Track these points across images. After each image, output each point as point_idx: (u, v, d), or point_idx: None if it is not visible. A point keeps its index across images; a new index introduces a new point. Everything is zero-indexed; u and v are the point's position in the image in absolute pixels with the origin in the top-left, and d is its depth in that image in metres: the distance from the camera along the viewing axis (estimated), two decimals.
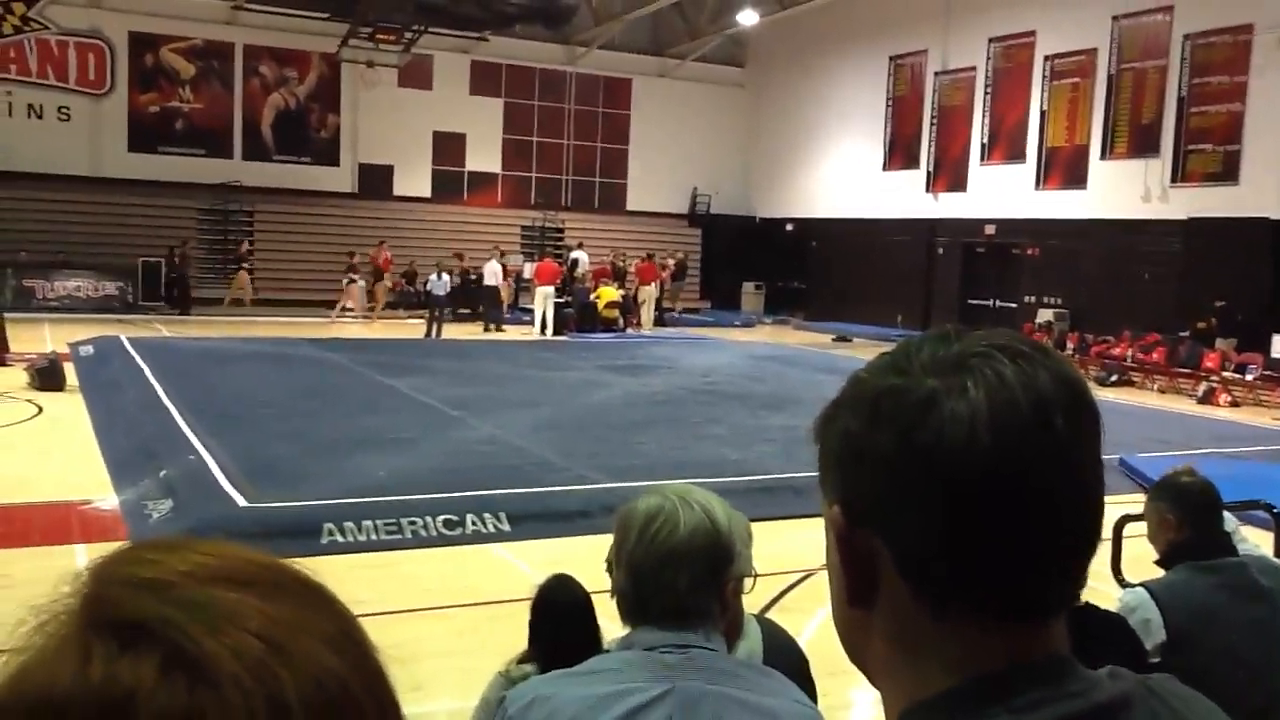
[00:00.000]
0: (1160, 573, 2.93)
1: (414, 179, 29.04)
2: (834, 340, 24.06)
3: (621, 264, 26.29)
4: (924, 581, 0.74)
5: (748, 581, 1.61)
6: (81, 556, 6.61)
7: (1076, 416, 0.73)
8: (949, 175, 25.43)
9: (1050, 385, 0.72)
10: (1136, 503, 4.53)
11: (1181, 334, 18.49)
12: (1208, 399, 16.41)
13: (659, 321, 26.02)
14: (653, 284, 25.81)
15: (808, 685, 2.05)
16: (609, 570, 1.61)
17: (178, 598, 0.52)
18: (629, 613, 1.55)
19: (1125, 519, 4.55)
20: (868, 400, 0.76)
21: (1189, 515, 2.90)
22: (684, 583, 1.50)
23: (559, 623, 3.15)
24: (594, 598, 3.22)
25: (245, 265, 25.81)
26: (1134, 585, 2.91)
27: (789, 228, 30.38)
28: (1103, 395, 13.96)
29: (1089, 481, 0.74)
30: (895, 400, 0.74)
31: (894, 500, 0.74)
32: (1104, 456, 0.76)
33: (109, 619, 0.51)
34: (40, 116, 25.56)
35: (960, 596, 0.73)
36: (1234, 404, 16.20)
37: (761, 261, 30.02)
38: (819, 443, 0.81)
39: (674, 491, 1.58)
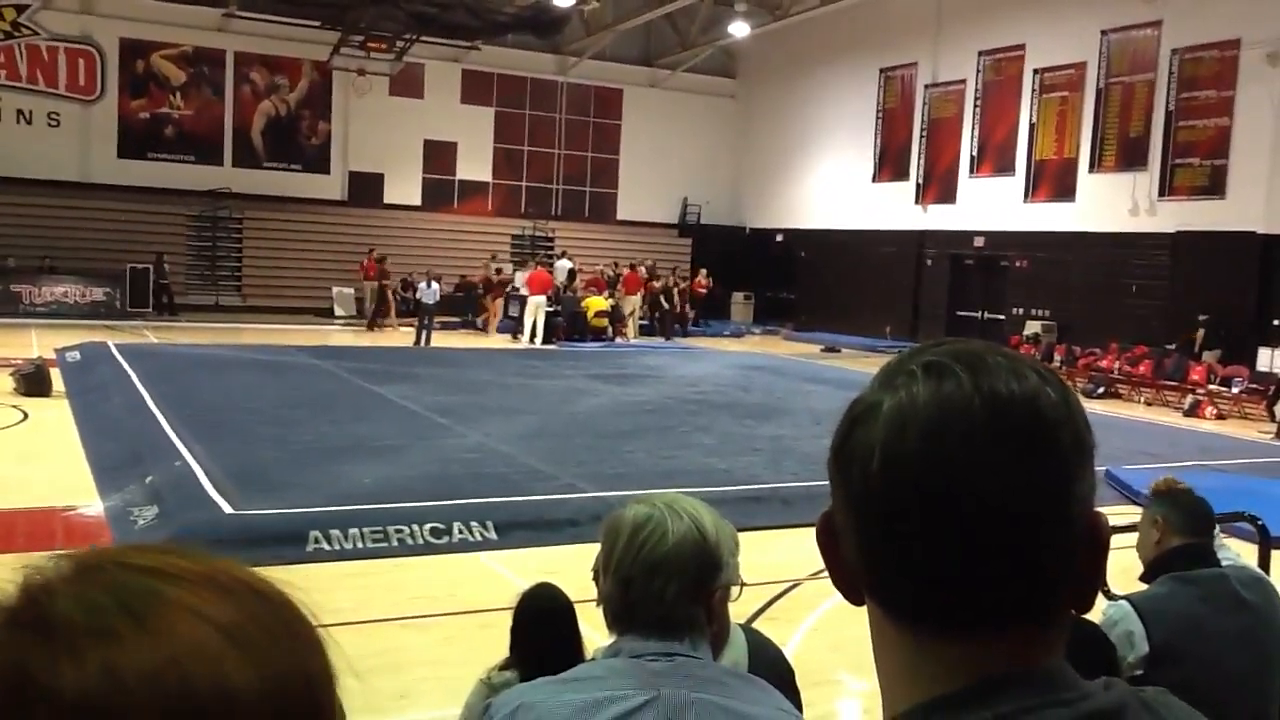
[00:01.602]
0: (1142, 586, 2.94)
1: (405, 187, 29.04)
2: (823, 351, 24.10)
3: (614, 273, 26.35)
4: (877, 592, 0.76)
5: (735, 590, 1.61)
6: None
7: (1006, 432, 0.72)
8: (938, 187, 25.53)
9: (985, 398, 0.72)
10: (1123, 514, 4.54)
11: (1168, 346, 18.58)
12: (1194, 412, 16.49)
13: (683, 333, 26.28)
14: (637, 294, 25.90)
15: (793, 695, 2.05)
16: (595, 578, 1.61)
17: (108, 585, 0.53)
18: (615, 621, 1.55)
19: (1112, 530, 4.56)
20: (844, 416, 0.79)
21: (1185, 524, 2.92)
22: (671, 592, 1.50)
23: (540, 630, 3.15)
24: (579, 606, 3.22)
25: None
26: (1119, 598, 2.92)
27: (779, 238, 30.45)
28: (1089, 407, 13.98)
29: (1018, 495, 0.72)
30: (848, 414, 0.78)
31: (841, 513, 0.77)
32: (1071, 469, 0.74)
33: (35, 608, 0.53)
34: (30, 122, 25.50)
35: (898, 606, 0.75)
36: (1220, 417, 16.27)
37: (751, 272, 30.10)
38: None
39: (662, 500, 1.58)
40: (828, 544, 0.79)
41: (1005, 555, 0.72)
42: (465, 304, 26.07)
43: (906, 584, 0.74)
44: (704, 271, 28.23)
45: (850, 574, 0.78)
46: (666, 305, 26.49)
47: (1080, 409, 0.76)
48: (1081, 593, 0.76)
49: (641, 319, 26.26)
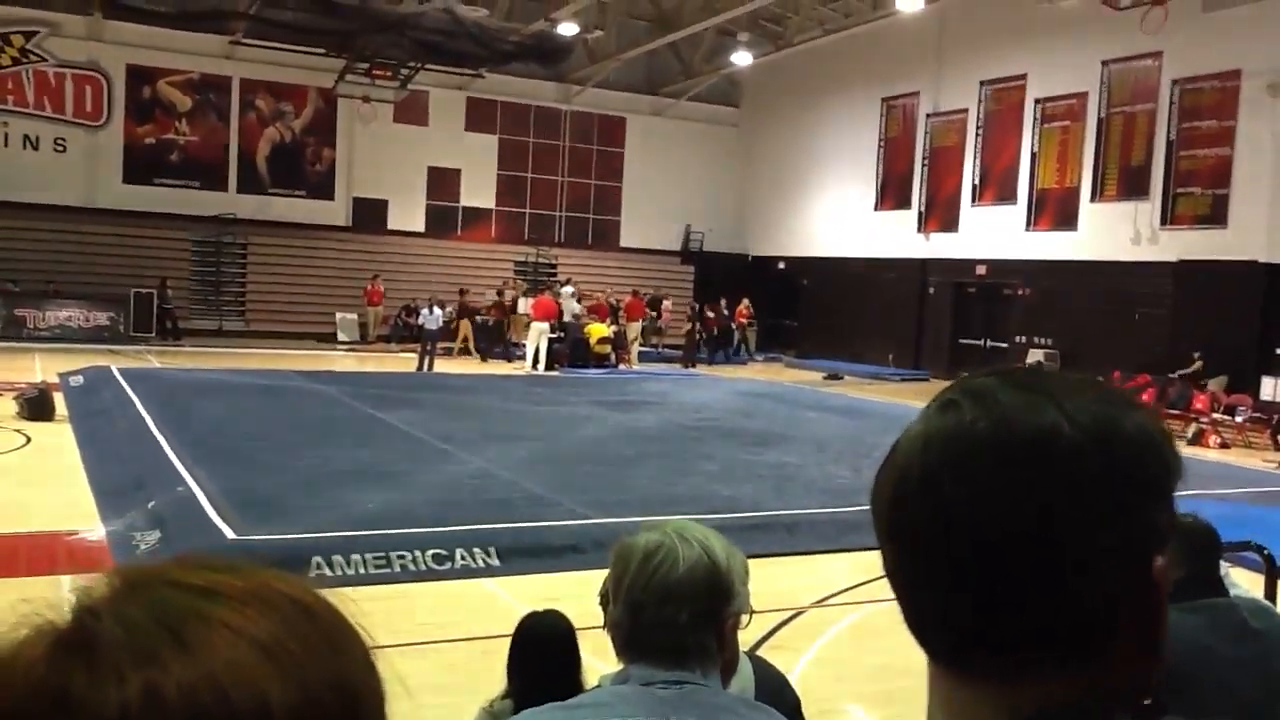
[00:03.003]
0: None
1: (408, 213, 29.15)
2: (825, 378, 24.09)
3: (613, 302, 26.42)
4: (908, 624, 0.76)
5: (743, 618, 1.60)
6: (67, 588, 6.56)
7: (970, 467, 0.71)
8: (941, 216, 25.60)
9: (984, 435, 0.71)
10: None
11: (1171, 375, 18.56)
12: (1197, 440, 16.45)
13: (729, 359, 26.58)
14: (639, 320, 25.98)
15: None
16: (603, 603, 1.61)
17: (151, 604, 0.54)
18: (625, 648, 1.54)
19: None
20: None
21: (1190, 552, 2.91)
22: (684, 619, 1.49)
23: (540, 656, 3.13)
24: (581, 633, 3.21)
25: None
26: None
27: (781, 266, 30.51)
28: None
29: (1015, 534, 0.70)
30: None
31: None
32: (1085, 507, 0.70)
33: (80, 631, 0.54)
34: (36, 147, 25.65)
35: (919, 639, 0.75)
36: (1224, 445, 16.24)
37: (754, 299, 30.16)
38: None
39: (672, 527, 1.58)
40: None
41: (1004, 595, 0.70)
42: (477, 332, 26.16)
43: (912, 619, 0.74)
44: (745, 301, 28.02)
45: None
46: (699, 334, 26.49)
47: (1133, 443, 0.72)
48: (1141, 643, 0.72)
49: (665, 345, 26.51)
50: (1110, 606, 0.71)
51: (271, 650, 0.54)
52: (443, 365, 21.63)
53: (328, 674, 0.56)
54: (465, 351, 24.65)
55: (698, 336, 26.38)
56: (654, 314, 28.10)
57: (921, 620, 0.74)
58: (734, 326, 27.87)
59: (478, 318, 25.72)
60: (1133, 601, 0.71)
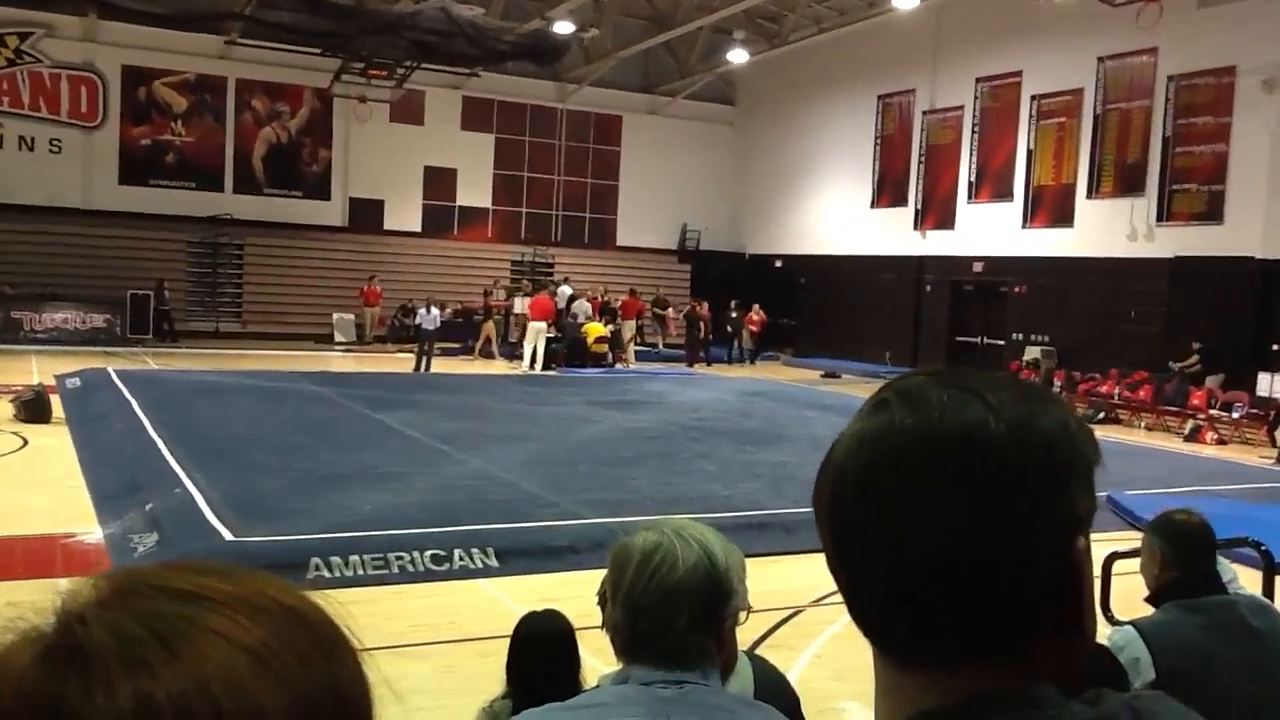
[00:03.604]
0: (1149, 610, 2.93)
1: (405, 213, 29.13)
2: (822, 377, 24.10)
3: (609, 300, 26.41)
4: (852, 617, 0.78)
5: (741, 615, 1.60)
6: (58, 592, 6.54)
7: (903, 462, 0.73)
8: (937, 213, 25.61)
9: (910, 430, 0.74)
10: (1125, 540, 4.53)
11: (1174, 365, 18.51)
12: (1194, 437, 16.47)
13: (747, 359, 26.38)
14: (634, 319, 25.97)
15: None
16: (601, 603, 1.61)
17: (141, 612, 0.54)
18: (624, 649, 1.54)
19: (1114, 556, 4.56)
20: None
21: (1180, 553, 2.92)
22: (684, 621, 1.49)
23: (539, 656, 3.13)
24: (579, 633, 3.21)
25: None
26: (1123, 623, 2.91)
27: (778, 264, 30.51)
28: None
29: (946, 530, 0.72)
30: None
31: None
32: (1010, 501, 0.73)
33: (69, 639, 0.53)
34: (32, 149, 25.60)
35: (867, 635, 0.77)
36: (1220, 442, 16.26)
37: (751, 298, 30.15)
38: None
39: (670, 527, 1.57)
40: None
41: (942, 588, 0.72)
42: (466, 331, 26.12)
43: (856, 613, 0.77)
44: (756, 306, 27.56)
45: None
46: (700, 331, 26.41)
47: (1049, 434, 0.74)
48: (1062, 624, 0.75)
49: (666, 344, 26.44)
50: (1037, 590, 0.73)
51: (262, 657, 0.54)
52: (446, 366, 21.61)
53: (319, 680, 0.56)
54: (489, 354, 24.44)
55: (700, 335, 26.34)
56: (660, 315, 28.00)
57: (864, 613, 0.77)
58: (748, 330, 27.54)
59: (475, 317, 25.72)
60: (1054, 583, 0.74)
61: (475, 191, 30.11)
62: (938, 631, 0.73)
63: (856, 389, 21.13)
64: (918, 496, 0.72)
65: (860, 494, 0.75)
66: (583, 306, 25.49)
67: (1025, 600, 0.73)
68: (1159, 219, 20.52)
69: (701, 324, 26.31)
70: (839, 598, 0.80)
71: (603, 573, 1.62)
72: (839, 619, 6.60)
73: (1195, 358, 18.30)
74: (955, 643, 0.73)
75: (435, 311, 21.89)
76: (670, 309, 28.44)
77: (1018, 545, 0.72)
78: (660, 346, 27.88)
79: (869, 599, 0.76)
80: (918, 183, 26.16)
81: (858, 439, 0.76)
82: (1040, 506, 0.73)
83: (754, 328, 27.35)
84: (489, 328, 24.93)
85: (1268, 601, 3.17)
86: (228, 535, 7.60)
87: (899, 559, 0.73)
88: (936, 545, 0.72)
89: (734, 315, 27.31)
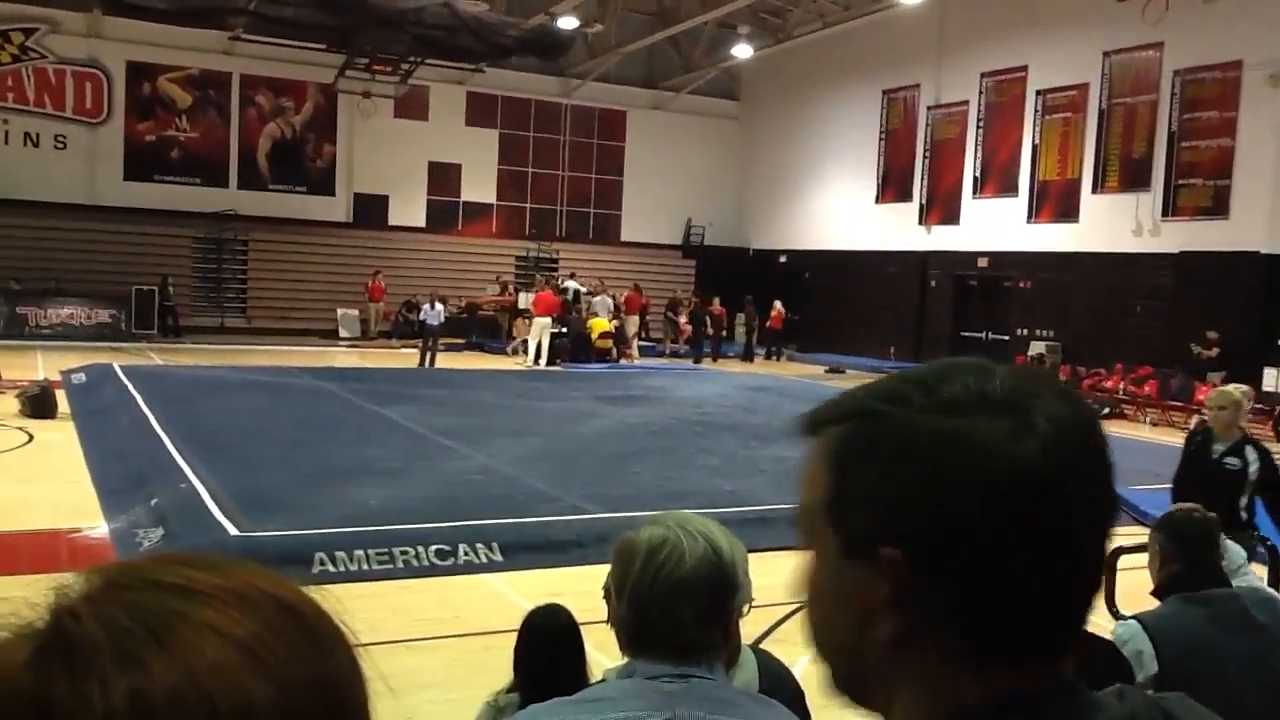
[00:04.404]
0: (1154, 604, 2.94)
1: (409, 209, 29.13)
2: (826, 372, 24.08)
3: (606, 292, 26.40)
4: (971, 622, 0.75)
5: (744, 608, 1.60)
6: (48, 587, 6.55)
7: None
8: (942, 208, 25.57)
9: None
10: (1132, 535, 4.52)
11: (1195, 348, 18.33)
12: None
13: (768, 356, 26.30)
14: (637, 314, 25.93)
15: (804, 716, 2.04)
16: (606, 597, 1.61)
17: (132, 606, 0.54)
18: (630, 643, 1.54)
19: (1119, 551, 4.55)
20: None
21: (1182, 548, 2.93)
22: (690, 616, 1.49)
23: (545, 650, 3.14)
24: (584, 627, 3.21)
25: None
26: (1127, 618, 2.92)
27: (782, 259, 30.49)
28: None
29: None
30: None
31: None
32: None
33: (62, 635, 0.53)
34: (37, 145, 25.63)
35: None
36: None
37: (755, 293, 30.12)
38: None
39: (674, 520, 1.57)
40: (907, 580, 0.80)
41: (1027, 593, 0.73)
42: (469, 326, 26.15)
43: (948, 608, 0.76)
44: (778, 304, 27.25)
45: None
46: (709, 328, 26.34)
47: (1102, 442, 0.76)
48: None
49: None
50: (1091, 591, 0.75)
51: (255, 651, 0.54)
52: (451, 361, 21.63)
53: (312, 673, 0.56)
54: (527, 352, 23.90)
55: (710, 332, 26.30)
56: (673, 319, 27.90)
57: (955, 608, 0.75)
58: (769, 327, 27.37)
59: (479, 313, 25.74)
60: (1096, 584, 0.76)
61: (480, 187, 30.11)
62: (1026, 630, 0.74)
63: (860, 384, 21.09)
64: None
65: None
66: (605, 303, 25.48)
67: (1081, 602, 0.75)
68: (1164, 214, 20.48)
69: (712, 320, 26.26)
70: None
71: (607, 567, 1.62)
72: None
73: (1215, 349, 18.19)
74: (1033, 642, 0.74)
75: (439, 307, 21.90)
76: (684, 315, 27.86)
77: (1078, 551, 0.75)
78: (667, 349, 27.56)
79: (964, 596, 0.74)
80: (922, 178, 26.12)
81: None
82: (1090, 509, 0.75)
83: (777, 325, 27.23)
84: (522, 325, 24.72)
85: (1275, 594, 3.17)
86: (233, 530, 7.61)
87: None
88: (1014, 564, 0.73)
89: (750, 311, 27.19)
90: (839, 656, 0.80)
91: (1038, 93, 23.12)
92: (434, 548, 7.47)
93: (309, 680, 0.55)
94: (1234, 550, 3.14)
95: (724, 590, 1.52)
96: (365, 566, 7.17)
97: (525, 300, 25.00)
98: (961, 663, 0.74)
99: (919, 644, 0.76)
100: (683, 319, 27.39)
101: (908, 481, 0.74)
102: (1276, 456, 5.92)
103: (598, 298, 25.71)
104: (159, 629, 0.53)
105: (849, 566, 0.77)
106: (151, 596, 0.55)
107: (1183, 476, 5.95)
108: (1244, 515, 5.51)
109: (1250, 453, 5.64)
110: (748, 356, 26.67)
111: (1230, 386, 6.33)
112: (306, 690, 0.55)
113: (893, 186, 27.02)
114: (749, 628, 1.65)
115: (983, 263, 24.33)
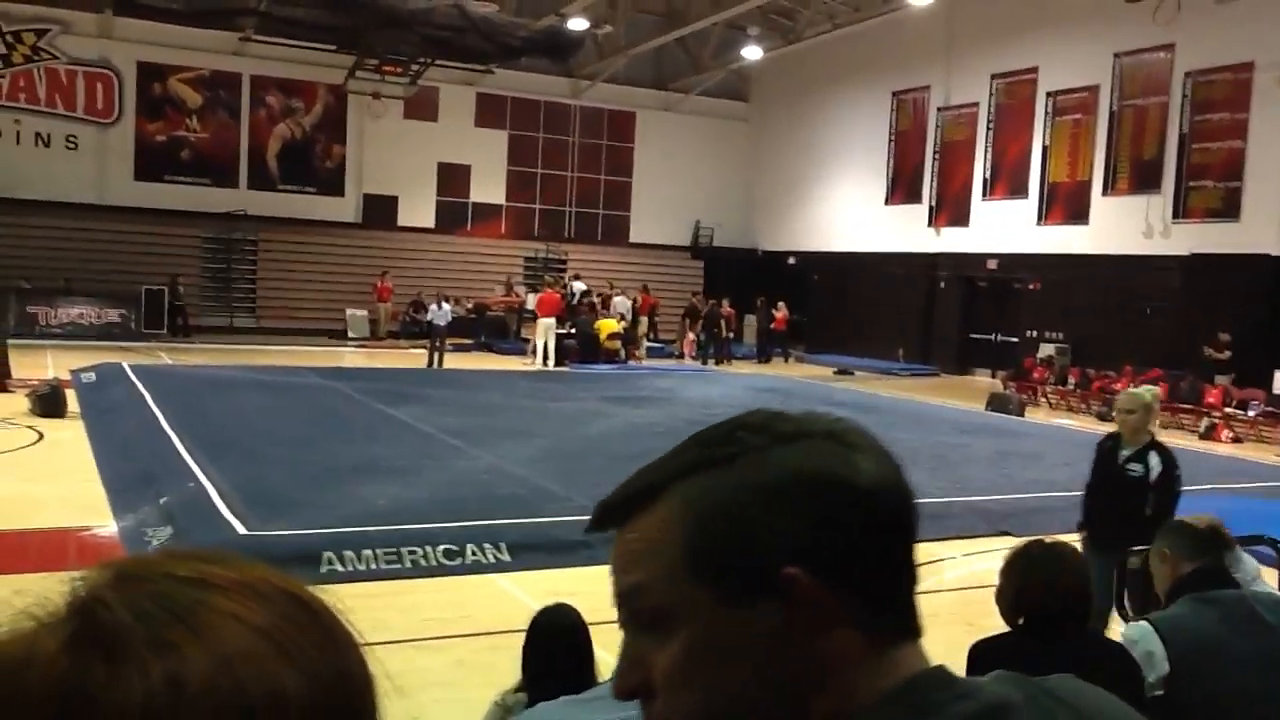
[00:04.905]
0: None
1: (418, 209, 29.17)
2: (835, 374, 24.05)
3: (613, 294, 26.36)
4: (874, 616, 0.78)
5: None
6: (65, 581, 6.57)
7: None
8: (951, 210, 25.52)
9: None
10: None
11: (1208, 350, 18.23)
12: (1210, 435, 16.38)
13: (729, 360, 25.98)
14: (646, 315, 25.90)
15: None
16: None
17: (157, 595, 0.55)
18: None
19: (1128, 554, 4.54)
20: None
21: (1187, 552, 2.94)
22: None
23: (551, 650, 3.14)
24: (593, 627, 3.21)
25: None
26: (1138, 619, 2.91)
27: (791, 261, 30.46)
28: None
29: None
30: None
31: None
32: None
33: (94, 623, 0.53)
34: (48, 145, 25.73)
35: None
36: (1236, 440, 16.17)
37: (764, 294, 30.10)
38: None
39: None
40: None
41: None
42: (478, 326, 26.17)
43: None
44: (782, 304, 27.16)
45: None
46: (722, 331, 26.25)
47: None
48: None
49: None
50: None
51: (277, 640, 0.55)
52: (458, 361, 21.65)
53: (332, 665, 0.56)
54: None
55: (721, 334, 26.24)
56: (689, 321, 27.82)
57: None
58: (774, 329, 27.26)
59: (488, 314, 25.74)
60: None
61: (489, 188, 30.14)
62: (909, 618, 0.80)
63: (869, 385, 21.09)
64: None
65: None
66: (624, 304, 25.45)
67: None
68: (1175, 216, 20.42)
69: (724, 323, 26.19)
70: None
71: None
72: None
73: (1227, 351, 18.10)
74: (912, 627, 0.79)
75: (447, 307, 21.93)
76: (697, 326, 27.24)
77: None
78: (677, 354, 27.35)
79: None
80: (932, 179, 26.08)
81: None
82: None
83: (781, 326, 27.17)
84: (534, 326, 24.60)
85: None
86: (241, 529, 7.62)
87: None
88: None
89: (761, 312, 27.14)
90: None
91: (1048, 94, 23.06)
92: (442, 547, 7.47)
93: (333, 673, 0.56)
94: (1247, 563, 3.14)
95: None
96: (373, 566, 7.17)
97: (533, 301, 25.00)
98: (863, 661, 0.76)
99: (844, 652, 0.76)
100: (689, 336, 27.15)
101: (783, 506, 0.75)
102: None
103: (616, 299, 25.68)
104: (187, 617, 0.54)
105: (735, 616, 0.75)
106: (170, 586, 0.55)
107: (1091, 484, 5.83)
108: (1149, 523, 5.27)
109: (1154, 458, 5.52)
110: (763, 358, 26.60)
111: (1142, 389, 6.20)
112: (332, 683, 0.56)
113: (902, 188, 26.98)
114: None
115: (992, 264, 24.28)
